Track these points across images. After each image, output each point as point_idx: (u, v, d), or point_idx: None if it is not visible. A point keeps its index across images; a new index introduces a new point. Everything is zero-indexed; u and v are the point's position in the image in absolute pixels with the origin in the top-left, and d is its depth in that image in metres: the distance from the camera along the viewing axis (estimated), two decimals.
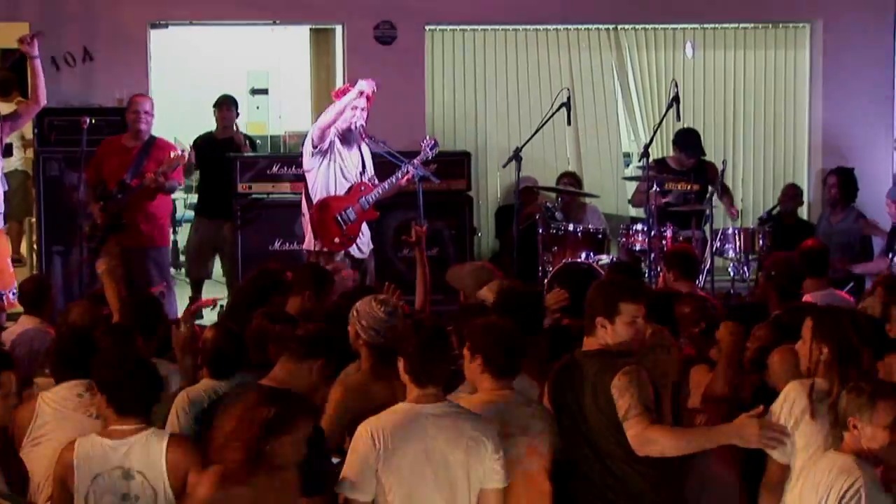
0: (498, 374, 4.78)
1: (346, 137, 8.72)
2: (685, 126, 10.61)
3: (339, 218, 8.69)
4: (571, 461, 4.83)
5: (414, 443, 4.46)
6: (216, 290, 10.57)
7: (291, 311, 6.18)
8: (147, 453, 4.54)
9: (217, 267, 10.93)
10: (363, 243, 8.90)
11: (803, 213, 11.62)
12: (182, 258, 12.15)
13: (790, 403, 4.61)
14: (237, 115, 10.84)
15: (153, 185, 8.98)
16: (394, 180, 8.71)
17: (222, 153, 10.27)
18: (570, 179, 10.92)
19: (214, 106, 10.72)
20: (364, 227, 8.92)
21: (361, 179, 8.79)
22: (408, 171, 8.65)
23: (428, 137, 9.01)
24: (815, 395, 4.58)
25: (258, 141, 12.78)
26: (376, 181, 8.82)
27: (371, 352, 5.36)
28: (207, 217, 10.55)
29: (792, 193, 10.99)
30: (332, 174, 8.72)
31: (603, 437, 4.72)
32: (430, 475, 4.47)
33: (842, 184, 10.60)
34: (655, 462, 4.67)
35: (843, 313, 4.91)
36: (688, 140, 10.49)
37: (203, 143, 10.59)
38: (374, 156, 8.93)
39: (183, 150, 9.12)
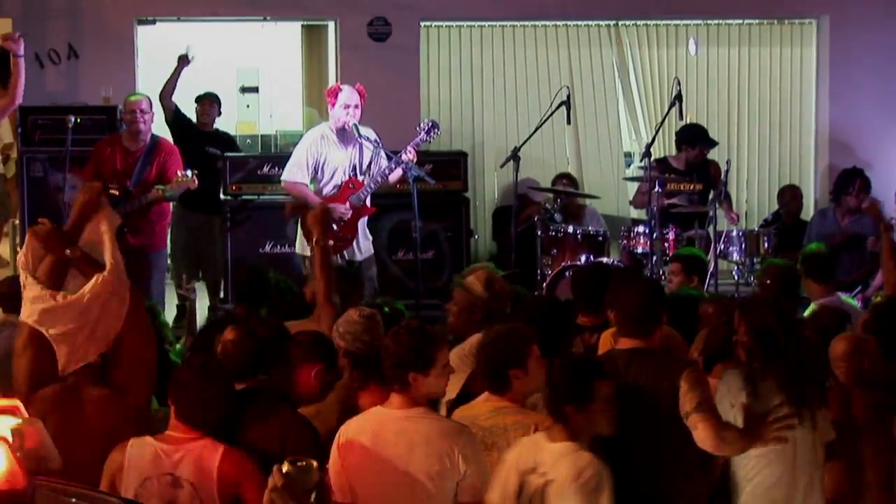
0: None
1: (340, 137, 8.72)
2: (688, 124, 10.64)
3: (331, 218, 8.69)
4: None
5: (374, 448, 4.50)
6: (200, 293, 10.51)
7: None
8: (199, 463, 4.52)
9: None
10: (361, 245, 8.85)
11: (808, 214, 11.62)
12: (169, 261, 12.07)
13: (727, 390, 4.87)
14: (219, 113, 10.78)
15: (156, 201, 9.03)
16: (386, 171, 8.68)
17: (204, 146, 10.18)
18: (567, 181, 10.91)
19: (196, 101, 10.67)
20: (364, 229, 8.88)
21: (352, 176, 8.74)
22: (401, 161, 8.62)
23: (427, 120, 8.99)
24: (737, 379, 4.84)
25: (248, 140, 12.77)
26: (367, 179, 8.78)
27: (349, 360, 5.30)
28: (191, 210, 10.35)
29: (791, 195, 10.98)
30: (324, 181, 8.75)
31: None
32: (391, 482, 4.48)
33: (868, 188, 10.47)
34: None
35: (766, 301, 5.20)
36: (695, 133, 10.49)
37: (185, 128, 10.51)
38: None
39: (194, 174, 9.05)
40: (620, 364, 4.83)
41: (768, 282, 7.08)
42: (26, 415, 2.98)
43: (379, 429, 4.54)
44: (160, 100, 10.38)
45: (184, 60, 10.46)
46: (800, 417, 4.75)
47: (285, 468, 2.66)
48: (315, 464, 2.72)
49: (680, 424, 4.70)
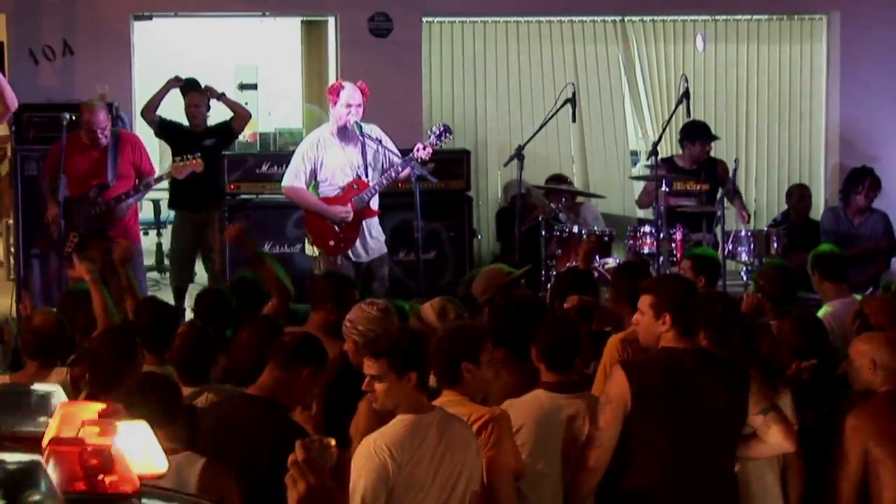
0: None
1: (342, 137, 8.71)
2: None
3: (332, 220, 8.68)
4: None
5: (422, 451, 4.50)
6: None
7: (314, 328, 6.10)
8: (179, 476, 4.52)
9: (200, 270, 10.86)
10: (368, 245, 8.84)
11: (818, 214, 11.61)
12: (167, 262, 12.10)
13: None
14: (208, 108, 10.76)
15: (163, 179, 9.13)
16: (393, 174, 8.68)
17: (199, 144, 10.18)
18: (558, 181, 10.90)
19: (182, 94, 10.64)
20: (373, 228, 8.87)
21: (356, 177, 8.74)
22: (409, 164, 8.61)
23: (440, 123, 8.98)
24: None
25: (246, 138, 12.77)
26: (373, 180, 8.77)
27: None
28: (192, 210, 10.40)
29: (799, 194, 10.97)
30: (327, 184, 8.75)
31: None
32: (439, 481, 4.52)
33: (878, 187, 10.50)
34: None
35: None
36: (695, 128, 10.48)
37: (175, 132, 10.51)
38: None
39: (196, 156, 9.05)
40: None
41: (762, 283, 7.10)
42: (128, 417, 3.05)
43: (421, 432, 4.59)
44: (143, 115, 10.43)
45: (177, 82, 10.49)
46: None
47: (307, 444, 2.75)
48: (333, 443, 2.81)
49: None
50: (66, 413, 2.92)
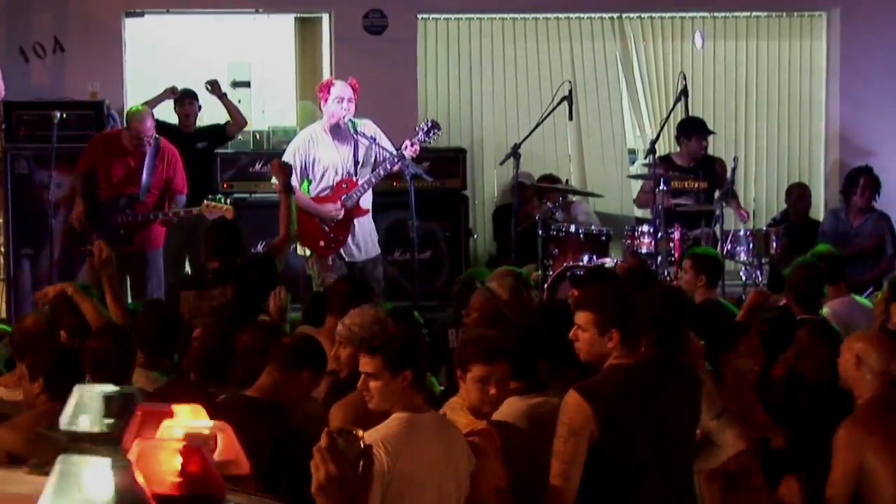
0: None
1: (335, 135, 8.70)
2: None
3: (323, 219, 8.68)
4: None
5: (420, 449, 4.50)
6: None
7: (328, 333, 6.09)
8: None
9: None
10: (360, 245, 8.83)
11: (819, 213, 11.62)
12: None
13: None
14: (199, 109, 10.77)
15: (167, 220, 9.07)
16: (381, 172, 8.67)
17: (190, 146, 10.18)
18: (552, 182, 10.89)
19: (175, 101, 10.65)
20: (366, 227, 8.85)
21: (345, 176, 8.72)
22: (396, 162, 8.61)
23: (427, 120, 8.97)
24: None
25: (239, 136, 12.74)
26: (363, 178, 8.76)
27: None
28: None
29: (799, 193, 10.97)
30: (317, 182, 8.73)
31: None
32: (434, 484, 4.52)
33: (875, 186, 10.52)
34: None
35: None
36: (690, 124, 10.48)
37: (167, 133, 10.45)
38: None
39: (231, 202, 9.03)
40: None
41: (792, 278, 7.19)
42: (209, 418, 3.08)
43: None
44: None
45: (173, 93, 10.48)
46: None
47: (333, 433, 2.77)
48: (361, 433, 2.82)
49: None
50: (147, 414, 2.94)
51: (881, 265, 10.33)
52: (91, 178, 9.06)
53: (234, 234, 7.44)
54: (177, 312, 6.63)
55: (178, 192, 9.22)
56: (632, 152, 12.33)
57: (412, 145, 8.62)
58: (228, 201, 8.92)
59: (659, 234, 9.51)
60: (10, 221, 10.15)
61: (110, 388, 3.22)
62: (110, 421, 3.02)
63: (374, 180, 8.69)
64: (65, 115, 9.40)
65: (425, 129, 8.77)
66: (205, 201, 9.03)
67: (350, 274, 8.44)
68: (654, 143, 9.76)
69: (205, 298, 7.06)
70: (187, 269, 10.64)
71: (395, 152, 8.66)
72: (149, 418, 2.92)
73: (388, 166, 8.63)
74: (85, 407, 3.12)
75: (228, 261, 7.22)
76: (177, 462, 2.77)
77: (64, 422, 2.92)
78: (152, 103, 10.34)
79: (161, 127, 10.43)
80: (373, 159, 8.76)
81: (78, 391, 3.27)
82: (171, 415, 2.96)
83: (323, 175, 8.71)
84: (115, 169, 9.12)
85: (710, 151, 10.70)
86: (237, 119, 10.60)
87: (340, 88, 8.65)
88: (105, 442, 2.96)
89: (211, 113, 10.87)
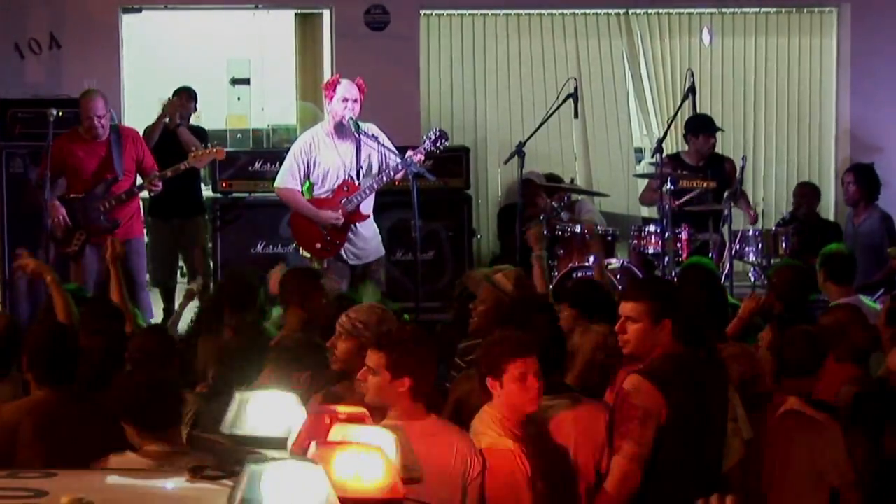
0: None
1: (338, 136, 8.67)
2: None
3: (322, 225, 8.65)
4: None
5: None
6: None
7: (292, 326, 6.25)
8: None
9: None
10: (359, 248, 8.80)
11: (829, 212, 11.60)
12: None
13: None
14: (195, 108, 10.73)
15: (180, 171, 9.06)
16: (384, 178, 8.65)
17: (175, 145, 10.11)
18: (555, 182, 10.88)
19: (174, 94, 10.56)
20: (367, 231, 8.82)
21: (347, 179, 8.68)
22: (400, 170, 8.59)
23: (435, 128, 8.94)
24: None
25: (239, 135, 12.74)
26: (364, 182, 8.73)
27: None
28: (163, 219, 10.35)
29: (805, 192, 10.94)
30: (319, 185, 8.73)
31: None
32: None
33: (859, 181, 10.53)
34: None
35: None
36: (698, 121, 10.45)
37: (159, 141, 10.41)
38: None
39: (216, 147, 9.00)
40: None
41: (775, 281, 7.25)
42: (373, 423, 3.10)
43: None
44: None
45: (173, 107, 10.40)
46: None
47: None
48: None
49: None
50: (316, 419, 2.94)
51: (889, 267, 10.30)
52: (55, 182, 9.03)
53: None
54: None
55: (148, 169, 9.23)
56: (638, 151, 12.31)
57: (417, 155, 8.59)
58: (216, 143, 8.94)
59: (666, 235, 9.48)
60: (5, 220, 10.15)
61: (272, 392, 3.23)
62: (280, 425, 3.03)
63: (375, 186, 8.66)
64: (61, 113, 9.35)
65: (433, 137, 8.72)
66: (190, 153, 9.03)
67: (351, 276, 8.47)
68: (661, 141, 9.73)
69: None
70: (181, 265, 10.66)
71: (398, 155, 8.62)
72: (317, 422, 2.93)
73: (392, 174, 8.60)
74: (249, 411, 3.13)
75: None
76: (363, 465, 2.78)
77: (227, 426, 2.91)
78: (154, 128, 10.18)
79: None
80: (375, 164, 8.72)
81: (239, 396, 3.27)
82: (338, 418, 2.97)
83: (324, 178, 8.68)
84: (87, 163, 9.13)
85: (718, 149, 10.67)
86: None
87: (346, 88, 8.60)
88: (277, 446, 2.98)
89: (211, 113, 10.84)
